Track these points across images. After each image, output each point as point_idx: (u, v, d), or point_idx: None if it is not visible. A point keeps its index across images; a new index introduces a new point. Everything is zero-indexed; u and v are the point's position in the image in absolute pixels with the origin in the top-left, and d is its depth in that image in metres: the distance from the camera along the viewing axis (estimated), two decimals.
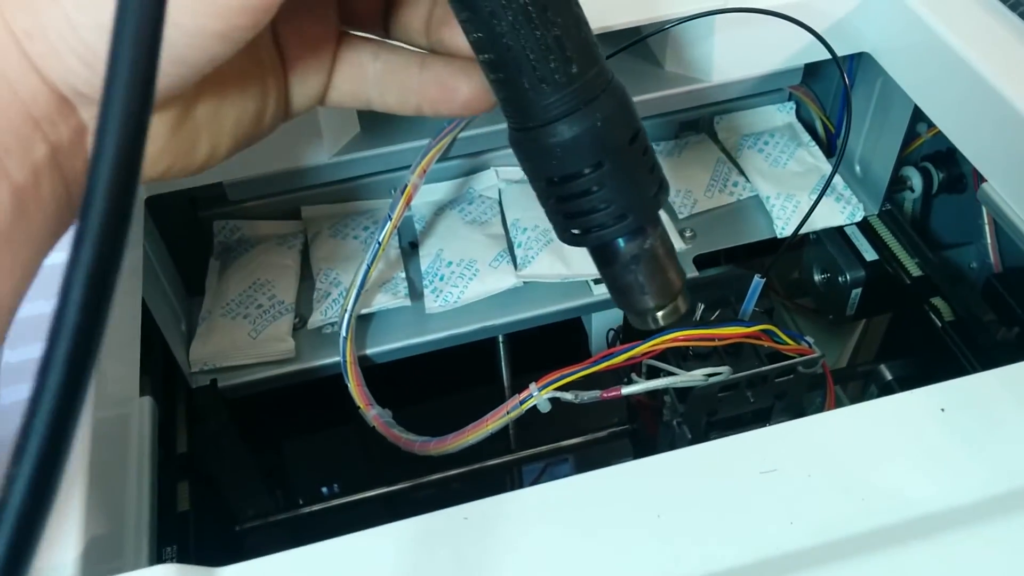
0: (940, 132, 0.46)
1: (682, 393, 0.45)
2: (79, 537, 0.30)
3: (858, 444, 0.30)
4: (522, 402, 0.41)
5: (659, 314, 0.27)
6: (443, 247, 0.52)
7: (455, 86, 0.27)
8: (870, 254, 0.56)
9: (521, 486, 0.30)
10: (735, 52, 0.49)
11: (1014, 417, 0.31)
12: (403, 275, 0.51)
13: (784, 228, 0.53)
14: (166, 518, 0.39)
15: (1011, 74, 0.41)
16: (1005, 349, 0.50)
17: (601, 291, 0.51)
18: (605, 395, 0.41)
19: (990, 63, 0.42)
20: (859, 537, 0.28)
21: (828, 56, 0.46)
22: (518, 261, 0.51)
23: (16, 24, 0.22)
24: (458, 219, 0.54)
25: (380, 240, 0.46)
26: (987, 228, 0.51)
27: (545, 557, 0.28)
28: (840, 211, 0.54)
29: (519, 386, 0.43)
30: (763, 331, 0.43)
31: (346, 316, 0.46)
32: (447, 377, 0.59)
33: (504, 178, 0.56)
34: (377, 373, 0.49)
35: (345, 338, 0.46)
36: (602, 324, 0.53)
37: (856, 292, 0.57)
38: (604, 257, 0.26)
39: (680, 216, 0.54)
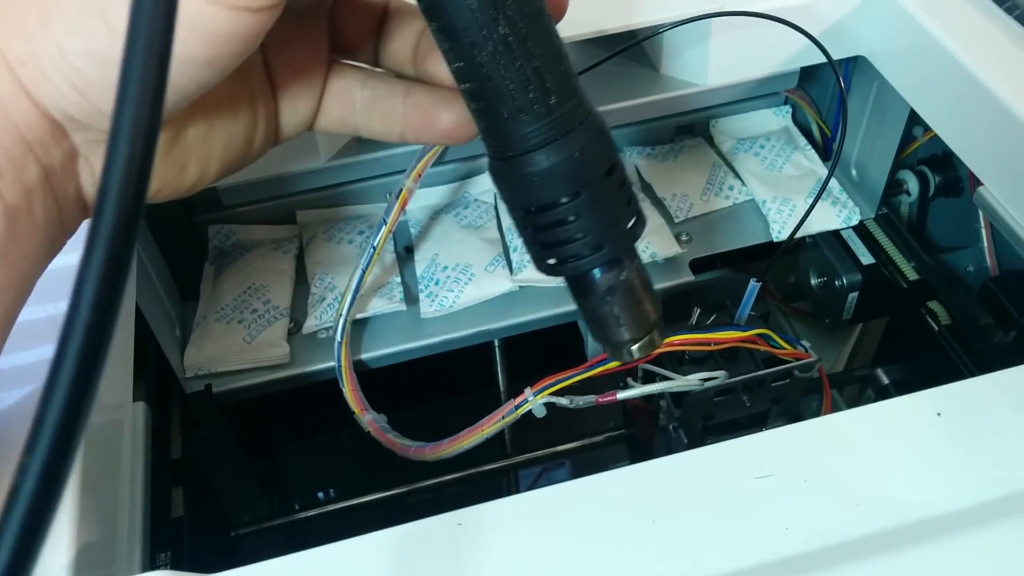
0: (936, 136, 0.46)
1: (678, 397, 0.44)
2: (71, 543, 0.30)
3: (854, 449, 0.30)
4: (517, 407, 0.41)
5: (634, 347, 0.27)
6: (438, 252, 0.52)
7: (436, 115, 0.28)
8: (866, 258, 0.55)
9: (517, 491, 0.30)
10: (731, 56, 0.49)
11: (1010, 421, 0.31)
12: (398, 280, 0.51)
13: (780, 232, 0.53)
14: (160, 524, 0.38)
15: (1007, 77, 0.41)
16: (1002, 353, 0.50)
17: None
18: (601, 400, 0.40)
19: (986, 66, 0.42)
20: (855, 542, 0.27)
21: (824, 60, 0.46)
22: (514, 265, 0.51)
23: (9, 51, 0.22)
24: (453, 223, 0.54)
25: (375, 245, 0.46)
26: (984, 232, 0.51)
27: (539, 563, 0.28)
28: (836, 215, 0.54)
29: (515, 391, 0.43)
30: (759, 335, 0.43)
31: (341, 321, 0.46)
32: (443, 382, 0.59)
33: None
34: (373, 378, 0.49)
35: (340, 343, 0.46)
36: None
37: (853, 296, 0.57)
38: (580, 288, 0.26)
39: (676, 220, 0.54)
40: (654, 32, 0.46)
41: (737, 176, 0.56)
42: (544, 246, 0.25)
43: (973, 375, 0.43)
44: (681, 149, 0.58)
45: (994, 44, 0.43)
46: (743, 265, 0.57)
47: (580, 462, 0.57)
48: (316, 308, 0.50)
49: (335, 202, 0.55)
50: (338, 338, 0.46)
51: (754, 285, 0.44)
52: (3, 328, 0.24)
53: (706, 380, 0.41)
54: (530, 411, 0.41)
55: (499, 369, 0.55)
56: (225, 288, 0.51)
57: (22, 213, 0.23)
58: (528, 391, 0.41)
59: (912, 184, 0.55)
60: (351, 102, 0.29)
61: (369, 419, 0.46)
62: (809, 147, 0.57)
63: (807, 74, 0.56)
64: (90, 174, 0.25)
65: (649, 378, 0.43)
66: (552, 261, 0.25)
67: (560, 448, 0.53)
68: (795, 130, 0.59)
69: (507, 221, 0.53)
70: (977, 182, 0.44)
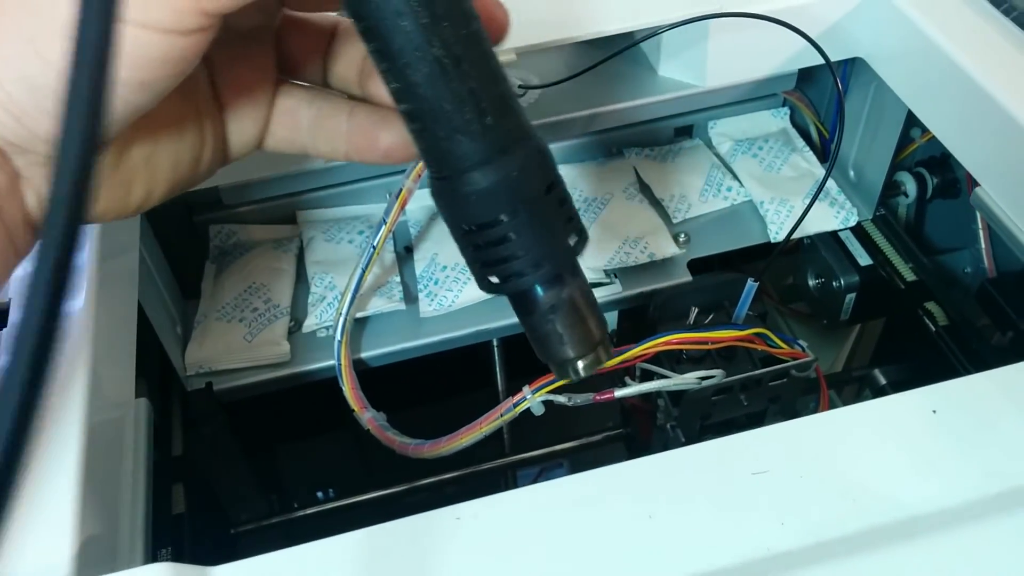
0: (934, 137, 0.46)
1: (676, 396, 0.45)
2: (74, 538, 0.30)
3: (849, 446, 0.30)
4: (515, 404, 0.41)
5: (579, 364, 0.27)
6: (438, 251, 0.53)
7: (377, 135, 0.28)
8: (864, 259, 0.56)
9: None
10: (729, 57, 0.49)
11: (1005, 419, 0.31)
12: (398, 279, 0.52)
13: (778, 233, 0.53)
14: (161, 520, 0.39)
15: (1005, 78, 0.41)
16: (999, 353, 0.51)
17: (598, 294, 0.51)
18: (598, 397, 0.41)
19: (983, 67, 0.42)
20: (850, 538, 0.28)
21: (821, 61, 0.46)
22: None
23: None
24: None
25: (375, 244, 0.46)
26: (981, 233, 0.51)
27: (536, 557, 0.28)
28: (834, 216, 0.54)
29: (514, 389, 0.43)
30: (756, 335, 0.44)
31: (341, 320, 0.46)
32: (443, 381, 0.59)
33: None
34: (373, 376, 0.49)
35: (340, 342, 0.46)
36: None
37: (850, 297, 0.57)
38: (522, 306, 0.26)
39: (675, 221, 0.55)
40: (653, 33, 0.46)
41: (735, 177, 0.57)
42: (485, 264, 0.25)
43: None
44: (680, 150, 0.59)
45: (991, 45, 0.43)
46: (741, 266, 0.58)
47: (578, 461, 0.58)
48: (316, 307, 0.50)
49: (335, 202, 0.55)
50: (338, 337, 0.46)
51: (751, 285, 0.45)
52: None
53: (703, 379, 0.41)
54: (528, 409, 0.42)
55: (498, 368, 0.55)
56: (226, 287, 0.51)
57: None
58: (526, 389, 0.42)
59: (910, 186, 0.55)
60: (298, 121, 0.29)
61: (368, 417, 0.46)
62: (807, 149, 0.58)
63: (805, 75, 0.56)
64: (35, 195, 0.25)
65: (647, 377, 0.44)
66: (494, 280, 0.25)
67: (558, 447, 0.53)
68: (793, 132, 0.59)
69: None
70: (974, 183, 0.44)
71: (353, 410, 0.46)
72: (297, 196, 0.54)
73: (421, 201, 0.55)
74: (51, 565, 0.29)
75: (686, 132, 0.60)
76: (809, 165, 0.57)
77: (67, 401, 0.33)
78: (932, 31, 0.45)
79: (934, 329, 0.53)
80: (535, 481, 0.59)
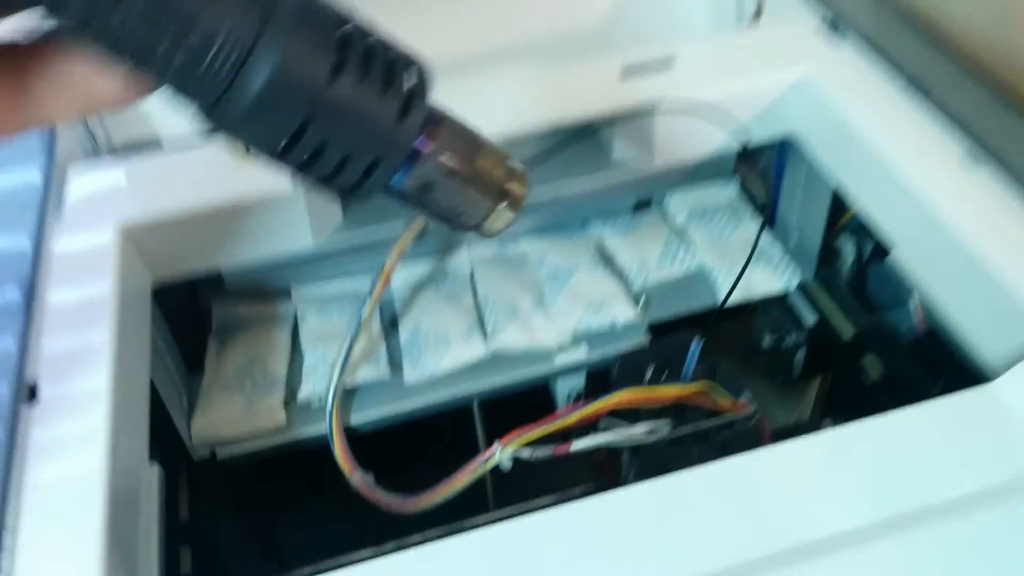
0: None
1: (636, 451, 0.49)
2: None
3: (762, 480, 0.35)
4: (486, 460, 0.46)
5: (494, 219, 0.24)
6: (420, 322, 0.58)
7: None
8: (811, 318, 0.61)
9: None
10: (673, 141, 0.55)
11: (897, 453, 0.36)
12: (384, 348, 0.57)
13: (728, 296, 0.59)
14: None
15: (912, 158, 0.47)
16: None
17: (563, 359, 0.56)
18: (556, 451, 0.46)
19: (893, 149, 0.48)
20: (765, 559, 0.32)
21: (759, 142, 0.52)
22: (487, 333, 0.56)
23: None
24: (434, 295, 0.60)
25: (361, 318, 0.52)
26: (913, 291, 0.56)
27: None
28: (778, 279, 0.60)
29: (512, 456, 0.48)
30: (702, 390, 0.48)
31: (331, 390, 0.51)
32: (429, 441, 0.64)
33: (477, 257, 0.62)
34: (364, 439, 0.54)
35: (331, 410, 0.51)
36: (565, 388, 0.59)
37: (800, 354, 0.62)
38: (400, 199, 0.23)
39: (635, 287, 0.60)
40: (606, 122, 0.53)
41: (690, 246, 0.62)
42: (323, 179, 0.22)
43: None
44: (640, 222, 0.64)
45: (901, 125, 0.49)
46: (697, 327, 0.63)
47: None
48: (309, 378, 0.55)
49: (327, 277, 0.60)
50: (329, 406, 0.51)
51: (696, 345, 0.50)
52: None
53: (650, 432, 0.46)
54: (502, 463, 0.46)
55: (478, 427, 0.59)
56: (227, 361, 0.56)
57: None
58: (496, 444, 0.46)
59: (848, 248, 0.61)
60: None
61: (357, 478, 0.50)
62: (756, 217, 0.63)
63: (753, 151, 0.62)
64: None
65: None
66: (342, 190, 0.22)
67: (537, 501, 0.58)
68: (742, 202, 0.65)
69: (482, 291, 0.59)
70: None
71: (344, 473, 0.51)
72: (292, 273, 0.59)
73: (405, 273, 0.61)
74: None
75: (646, 204, 0.66)
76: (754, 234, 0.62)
77: (90, 467, 0.38)
78: (850, 115, 0.51)
79: (872, 382, 0.57)
80: None
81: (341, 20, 0.21)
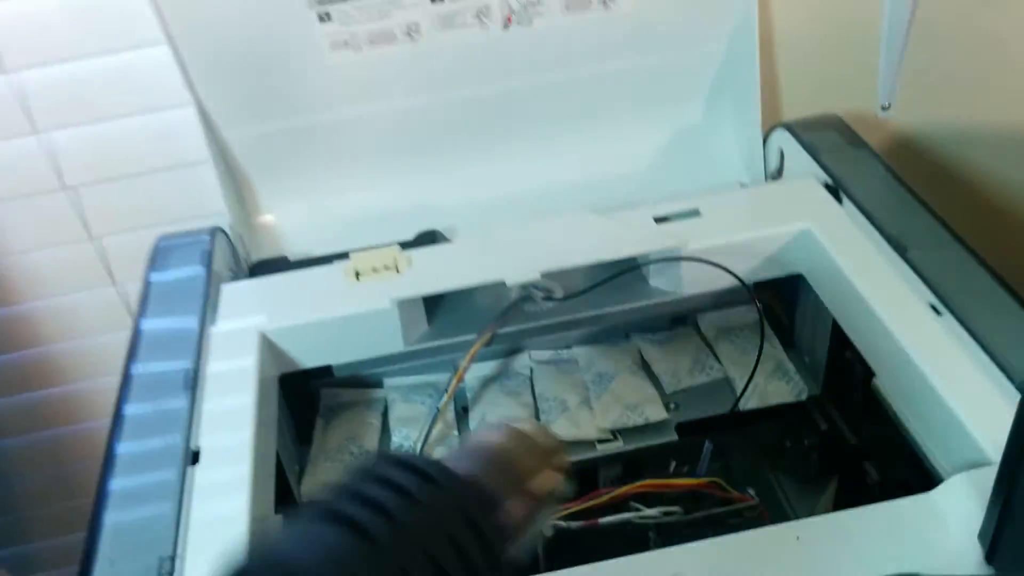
0: None
1: (659, 529, 0.60)
2: None
3: (740, 558, 0.46)
4: None
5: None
6: (486, 412, 0.70)
7: None
8: (823, 425, 0.71)
9: None
10: (697, 276, 0.67)
11: (846, 543, 0.46)
12: (456, 433, 0.69)
13: (745, 403, 0.70)
14: None
15: (884, 299, 0.58)
16: None
17: (603, 449, 0.68)
18: (587, 524, 0.57)
19: (873, 293, 0.59)
20: None
21: (775, 275, 0.64)
22: (541, 423, 0.69)
23: None
24: (499, 391, 0.72)
25: (438, 407, 0.65)
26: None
27: None
28: (790, 391, 0.70)
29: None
30: (711, 482, 0.60)
31: None
32: None
33: (535, 360, 0.74)
34: None
35: None
36: (606, 472, 0.70)
37: (814, 456, 0.72)
38: None
39: (667, 392, 0.71)
40: (638, 265, 0.65)
41: (717, 359, 0.74)
42: None
43: None
44: (675, 336, 0.76)
45: (881, 275, 0.60)
46: (722, 427, 0.74)
47: None
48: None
49: (413, 372, 0.74)
50: None
51: (708, 446, 0.61)
52: None
53: (664, 514, 0.57)
54: (545, 530, 0.58)
55: None
56: (330, 436, 0.70)
57: None
58: None
59: (858, 368, 0.71)
60: None
61: None
62: (774, 338, 0.75)
63: (773, 281, 0.73)
64: None
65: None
66: None
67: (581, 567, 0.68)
68: (765, 324, 0.76)
69: (539, 389, 0.71)
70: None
71: None
72: (386, 368, 0.73)
73: (477, 372, 0.74)
74: None
75: (681, 321, 0.78)
76: (774, 351, 0.73)
77: (236, 512, 0.51)
78: (842, 263, 0.62)
79: (870, 483, 0.67)
80: None
81: None
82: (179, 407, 0.58)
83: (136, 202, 0.83)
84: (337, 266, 0.68)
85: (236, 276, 0.74)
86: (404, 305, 0.65)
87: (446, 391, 0.65)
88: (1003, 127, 0.88)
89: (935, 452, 0.54)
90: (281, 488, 0.64)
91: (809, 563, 0.46)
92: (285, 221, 0.80)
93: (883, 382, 0.60)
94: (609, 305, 0.70)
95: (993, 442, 0.48)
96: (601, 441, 0.68)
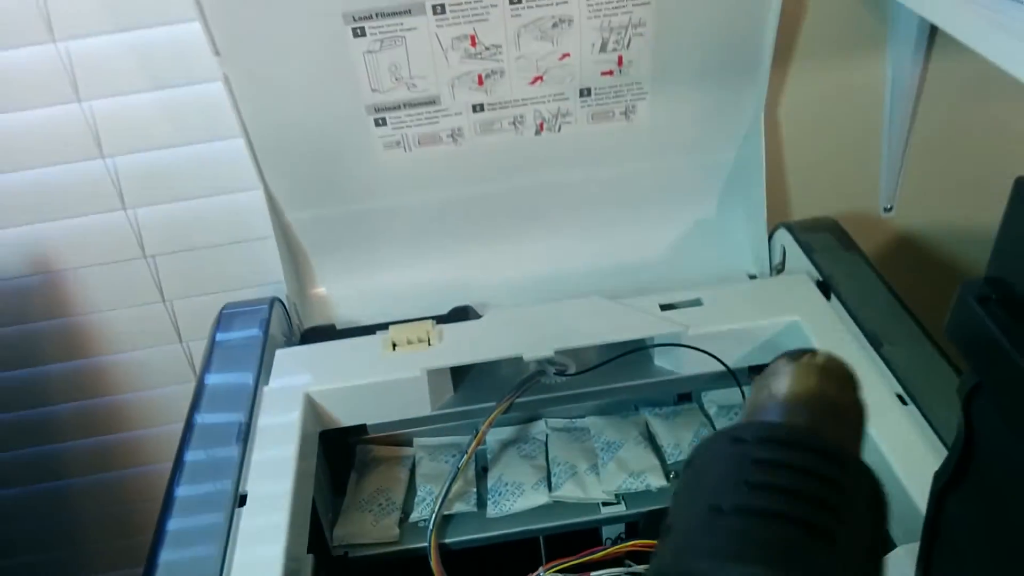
0: None
1: None
2: None
3: None
4: None
5: None
6: (503, 473, 0.78)
7: None
8: None
9: None
10: (695, 358, 0.75)
11: None
12: (475, 490, 0.77)
13: None
14: None
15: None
16: None
17: (607, 511, 0.75)
18: (581, 575, 0.64)
19: None
20: None
21: (766, 361, 0.71)
22: (552, 486, 0.76)
23: None
24: (515, 453, 0.80)
25: (459, 466, 0.73)
26: None
27: None
28: None
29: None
30: None
31: (432, 517, 0.72)
32: (504, 561, 0.83)
33: (551, 427, 0.82)
34: (454, 554, 0.74)
35: (431, 531, 0.72)
36: (609, 532, 0.77)
37: None
38: None
39: (669, 462, 0.78)
40: (642, 347, 0.73)
41: None
42: None
43: None
44: (680, 411, 0.83)
45: (858, 365, 0.67)
46: None
47: None
48: (419, 506, 0.76)
49: (439, 432, 0.82)
50: (430, 528, 0.72)
51: None
52: None
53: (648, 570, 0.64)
54: None
55: (543, 554, 0.78)
56: (363, 488, 0.78)
57: None
58: (540, 569, 0.65)
59: None
60: None
61: None
62: None
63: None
64: None
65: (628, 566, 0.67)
66: None
67: None
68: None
69: (552, 453, 0.79)
70: None
71: None
72: (414, 429, 0.81)
73: (496, 436, 0.82)
74: None
75: (687, 397, 0.85)
76: None
77: (273, 552, 0.59)
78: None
79: None
80: None
81: None
82: (232, 455, 0.67)
83: (205, 271, 0.94)
84: (377, 336, 0.77)
85: (289, 341, 0.83)
86: (433, 374, 0.74)
87: (464, 452, 0.73)
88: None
89: (892, 524, 0.61)
90: (315, 532, 0.72)
91: None
92: (335, 293, 0.90)
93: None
94: (616, 381, 0.78)
95: None
96: (606, 504, 0.75)
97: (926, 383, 0.65)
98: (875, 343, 0.69)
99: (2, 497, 1.07)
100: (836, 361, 0.35)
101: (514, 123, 0.83)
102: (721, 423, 0.81)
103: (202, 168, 0.88)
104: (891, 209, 0.99)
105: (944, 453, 0.59)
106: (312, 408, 0.73)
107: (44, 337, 0.97)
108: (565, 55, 0.80)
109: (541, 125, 0.84)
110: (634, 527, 0.76)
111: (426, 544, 0.72)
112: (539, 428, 0.82)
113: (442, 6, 0.75)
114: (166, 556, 0.61)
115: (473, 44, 0.78)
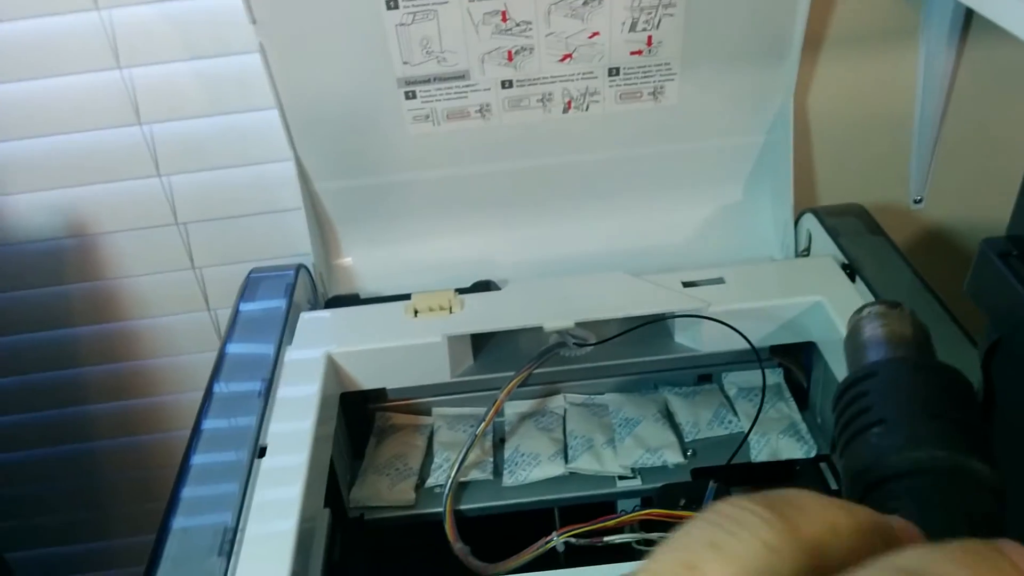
0: None
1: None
2: None
3: None
4: (546, 543, 0.65)
5: None
6: (520, 443, 0.79)
7: None
8: (833, 485, 0.77)
9: None
10: (717, 336, 0.75)
11: None
12: (491, 459, 0.78)
13: (756, 455, 0.76)
14: None
15: None
16: None
17: (622, 485, 0.75)
18: (593, 541, 0.64)
19: None
20: None
21: (789, 340, 0.71)
22: (568, 458, 0.76)
23: None
24: (533, 426, 0.81)
25: (475, 435, 0.73)
26: None
27: None
28: (799, 448, 0.77)
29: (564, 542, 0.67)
30: None
31: (448, 482, 0.72)
32: (517, 529, 0.83)
33: (569, 402, 0.83)
34: (468, 521, 0.74)
35: (447, 497, 0.72)
36: (623, 505, 0.77)
37: None
38: None
39: (686, 440, 0.78)
40: (666, 316, 0.73)
41: (735, 414, 0.80)
42: None
43: None
44: (699, 391, 0.83)
45: None
46: (735, 476, 0.80)
47: None
48: (435, 472, 0.77)
49: (458, 403, 0.83)
50: (446, 493, 0.72)
51: (712, 485, 0.68)
52: None
53: (661, 537, 0.64)
54: (557, 546, 0.65)
55: (557, 522, 0.78)
56: (380, 453, 0.79)
57: None
58: (554, 533, 0.66)
59: None
60: None
61: (458, 547, 0.71)
62: (791, 399, 0.81)
63: (792, 345, 0.80)
64: None
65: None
66: None
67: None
68: (784, 386, 0.83)
69: (569, 427, 0.79)
70: None
71: (449, 541, 0.71)
72: (434, 397, 0.82)
73: (515, 408, 0.82)
74: None
75: (707, 378, 0.85)
76: (789, 411, 0.80)
77: (290, 502, 0.60)
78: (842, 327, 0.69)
79: None
80: None
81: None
82: (252, 414, 0.68)
83: (235, 240, 0.96)
84: (400, 304, 0.78)
85: (314, 307, 0.85)
86: (453, 340, 0.75)
87: (482, 421, 0.74)
88: None
89: None
90: (333, 492, 0.73)
91: None
92: (360, 264, 0.91)
93: None
94: (636, 356, 0.78)
95: None
96: (621, 477, 0.75)
97: (949, 361, 0.64)
98: None
99: (33, 457, 1.09)
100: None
101: (542, 100, 0.84)
102: (741, 405, 0.81)
103: (235, 138, 0.90)
104: (921, 201, 0.98)
105: None
106: (334, 369, 0.74)
107: (76, 299, 0.99)
108: (595, 33, 0.81)
109: (569, 103, 0.84)
110: (649, 502, 0.76)
111: (441, 509, 0.72)
112: (557, 403, 0.83)
113: None
114: (179, 523, 0.61)
115: (504, 20, 0.79)
